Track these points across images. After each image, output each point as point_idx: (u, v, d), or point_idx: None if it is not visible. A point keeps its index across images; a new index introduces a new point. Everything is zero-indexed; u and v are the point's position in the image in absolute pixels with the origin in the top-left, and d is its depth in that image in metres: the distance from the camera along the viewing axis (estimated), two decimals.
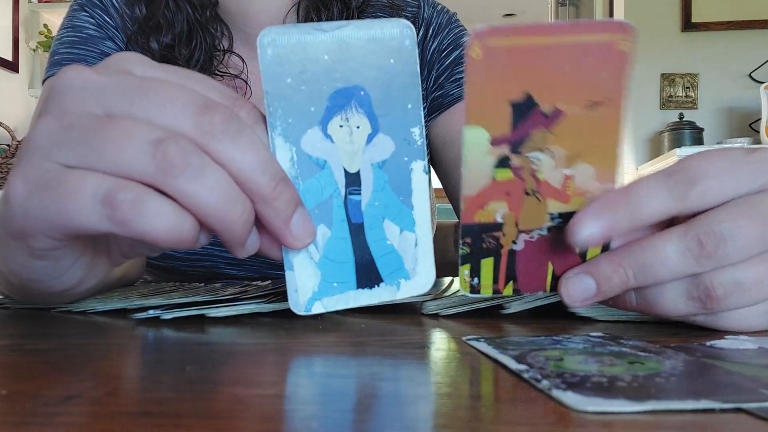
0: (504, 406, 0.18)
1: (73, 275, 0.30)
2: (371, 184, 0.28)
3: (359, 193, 0.28)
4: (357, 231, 0.28)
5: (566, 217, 0.29)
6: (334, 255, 0.28)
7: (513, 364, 0.22)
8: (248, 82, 0.64)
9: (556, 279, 0.30)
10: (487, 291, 0.30)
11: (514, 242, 0.30)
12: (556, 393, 0.18)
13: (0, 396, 0.18)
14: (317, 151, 0.27)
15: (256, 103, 0.68)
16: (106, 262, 0.32)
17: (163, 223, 0.23)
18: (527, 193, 0.29)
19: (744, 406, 0.17)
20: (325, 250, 0.28)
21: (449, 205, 0.71)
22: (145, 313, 0.33)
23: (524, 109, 0.28)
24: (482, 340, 0.27)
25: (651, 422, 0.16)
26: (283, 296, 0.28)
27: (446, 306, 0.35)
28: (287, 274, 0.28)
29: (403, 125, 0.29)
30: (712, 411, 0.17)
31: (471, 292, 0.30)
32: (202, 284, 0.50)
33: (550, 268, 0.30)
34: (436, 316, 0.34)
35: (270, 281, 0.48)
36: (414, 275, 0.29)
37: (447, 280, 0.54)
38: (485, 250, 0.30)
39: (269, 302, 0.35)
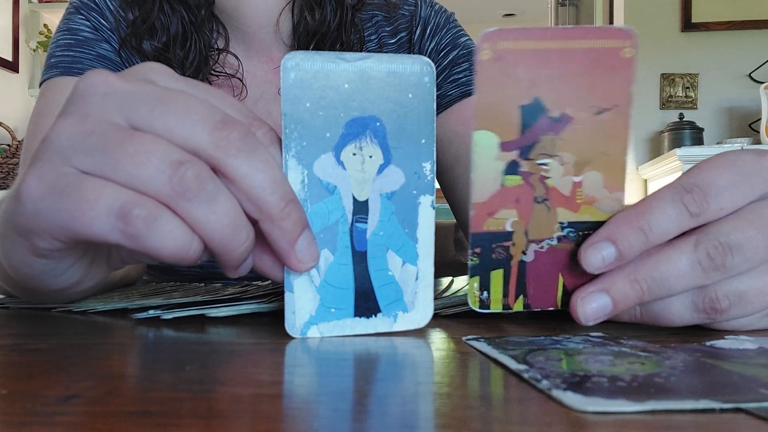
0: (504, 406, 0.18)
1: (72, 276, 0.30)
2: (378, 213, 0.29)
3: (365, 222, 0.28)
4: (359, 259, 0.29)
5: (576, 227, 0.29)
6: (335, 281, 0.28)
7: (513, 364, 0.22)
8: (244, 82, 0.64)
9: (566, 293, 0.29)
10: (497, 306, 0.30)
11: (524, 253, 0.29)
12: (556, 393, 0.18)
13: (0, 396, 0.18)
14: (328, 176, 0.28)
15: (252, 102, 0.68)
16: (105, 265, 0.32)
17: (171, 243, 0.23)
18: (537, 201, 0.29)
19: (743, 406, 0.17)
20: (326, 275, 0.28)
21: (447, 205, 0.71)
22: (145, 313, 0.33)
23: (533, 114, 0.28)
24: (482, 340, 0.27)
25: (651, 422, 0.16)
26: (282, 296, 0.28)
27: (446, 306, 0.35)
28: (286, 295, 0.28)
29: (415, 159, 0.29)
30: (711, 411, 0.17)
31: (480, 307, 0.30)
32: (203, 284, 0.50)
33: (561, 281, 0.29)
34: (436, 316, 0.34)
35: (270, 281, 0.48)
36: (412, 309, 0.29)
37: (447, 280, 0.54)
38: (495, 261, 0.29)
39: (269, 302, 0.35)
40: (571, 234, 0.29)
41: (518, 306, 0.30)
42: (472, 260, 0.29)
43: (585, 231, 0.29)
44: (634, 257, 0.27)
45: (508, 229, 0.29)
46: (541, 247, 0.29)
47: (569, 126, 0.28)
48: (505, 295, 0.30)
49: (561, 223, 0.29)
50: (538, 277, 0.29)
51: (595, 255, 0.27)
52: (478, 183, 0.29)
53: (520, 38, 0.27)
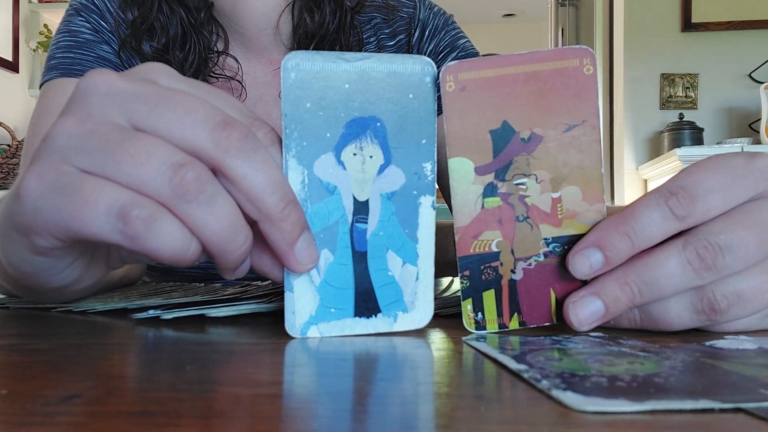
0: (504, 406, 0.18)
1: (70, 274, 0.30)
2: (378, 213, 0.29)
3: (366, 222, 0.28)
4: (360, 259, 0.29)
5: (561, 241, 0.29)
6: (335, 281, 0.28)
7: (513, 364, 0.22)
8: (243, 84, 0.64)
9: (560, 306, 0.30)
10: (492, 326, 0.30)
11: (512, 271, 0.30)
12: (556, 393, 0.18)
13: (0, 396, 0.18)
14: (329, 176, 0.28)
15: (251, 105, 0.68)
16: (104, 264, 0.32)
17: (170, 244, 0.23)
18: (518, 220, 0.29)
19: (743, 405, 0.17)
20: (326, 275, 0.28)
21: (446, 205, 0.71)
22: (145, 313, 0.33)
23: (504, 137, 0.29)
24: (482, 340, 0.27)
25: (650, 422, 0.16)
26: (282, 296, 0.28)
27: (446, 306, 0.35)
28: (286, 295, 0.28)
29: (416, 159, 0.29)
30: (711, 411, 0.17)
31: (476, 328, 0.30)
32: (202, 284, 0.50)
33: (553, 295, 0.30)
34: (436, 316, 0.34)
35: (270, 281, 0.48)
36: (412, 309, 0.29)
37: (447, 280, 0.54)
38: (485, 282, 0.30)
39: (269, 302, 0.35)
40: (556, 249, 0.30)
41: (514, 324, 0.30)
42: (462, 283, 0.30)
43: (570, 245, 0.29)
44: (621, 262, 0.27)
45: (494, 249, 0.30)
46: (529, 264, 0.30)
47: (540, 145, 0.29)
48: (500, 314, 0.30)
49: (545, 239, 0.30)
50: (529, 293, 0.30)
51: (583, 261, 0.28)
52: (459, 208, 0.29)
53: (481, 68, 0.29)
